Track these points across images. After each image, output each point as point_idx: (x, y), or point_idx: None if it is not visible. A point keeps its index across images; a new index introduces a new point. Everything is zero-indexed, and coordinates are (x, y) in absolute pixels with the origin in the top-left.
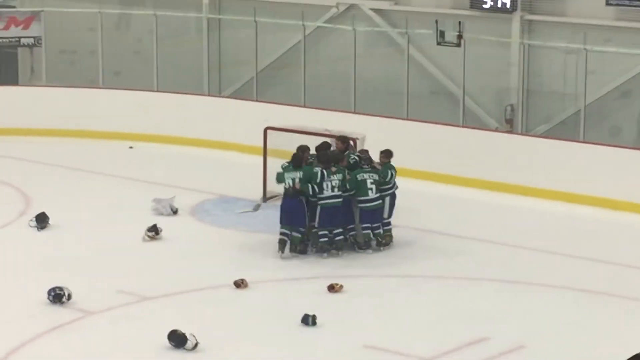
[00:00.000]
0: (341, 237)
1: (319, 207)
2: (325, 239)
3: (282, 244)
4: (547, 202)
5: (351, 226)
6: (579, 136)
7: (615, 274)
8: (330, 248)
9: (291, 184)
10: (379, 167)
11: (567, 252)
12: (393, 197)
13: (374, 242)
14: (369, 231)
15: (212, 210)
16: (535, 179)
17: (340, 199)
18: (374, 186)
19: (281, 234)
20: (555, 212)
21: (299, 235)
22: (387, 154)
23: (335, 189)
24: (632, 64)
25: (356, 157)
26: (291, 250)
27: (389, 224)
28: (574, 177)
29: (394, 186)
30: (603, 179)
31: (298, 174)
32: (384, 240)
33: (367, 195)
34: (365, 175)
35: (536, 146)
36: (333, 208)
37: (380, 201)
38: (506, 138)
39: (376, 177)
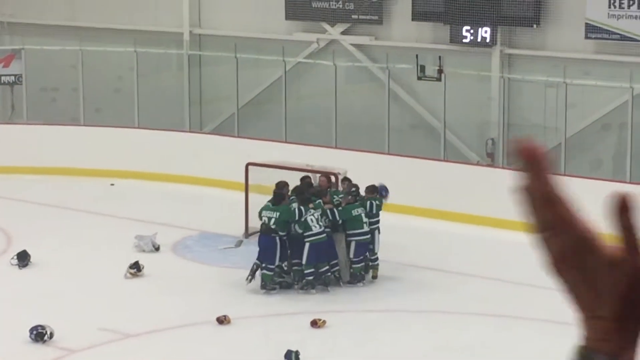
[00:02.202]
0: (328, 273)
1: (307, 245)
2: (312, 277)
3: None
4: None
5: (335, 261)
6: (560, 169)
7: None
8: (317, 284)
9: (266, 221)
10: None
11: (549, 285)
12: (379, 231)
13: (368, 275)
14: (362, 264)
15: (193, 246)
16: (516, 212)
17: (325, 235)
18: (367, 220)
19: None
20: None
21: (269, 273)
22: (370, 190)
23: (320, 224)
24: (612, 97)
25: (340, 200)
26: (262, 287)
27: (377, 259)
28: None
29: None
30: (584, 212)
31: (275, 214)
32: (374, 273)
33: (362, 228)
34: (360, 210)
35: (517, 180)
36: (320, 244)
37: (369, 236)
38: (487, 172)
39: (362, 210)
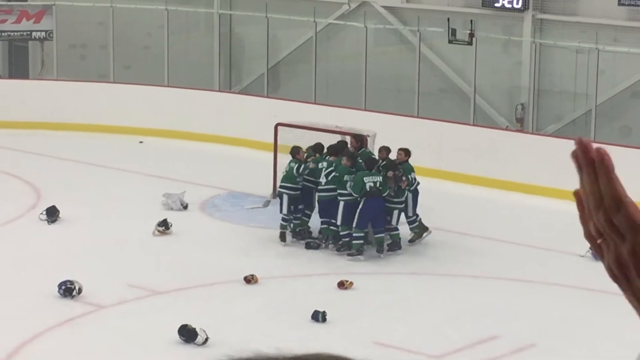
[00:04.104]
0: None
1: (342, 203)
2: (347, 239)
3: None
4: (556, 201)
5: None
6: (590, 136)
7: None
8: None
9: (372, 186)
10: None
11: (576, 252)
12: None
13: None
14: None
15: (221, 205)
16: (545, 178)
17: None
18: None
19: (359, 238)
20: (564, 211)
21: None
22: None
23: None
24: None
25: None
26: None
27: (414, 221)
28: None
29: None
30: None
31: (379, 178)
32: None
33: (404, 196)
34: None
35: (546, 145)
36: (354, 204)
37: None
38: (516, 137)
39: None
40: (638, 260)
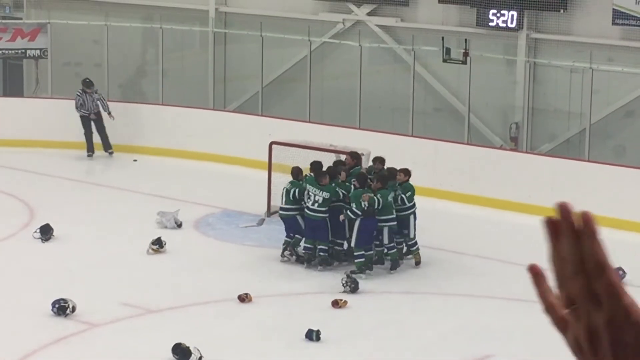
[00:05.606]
0: (322, 253)
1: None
2: (308, 252)
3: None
4: None
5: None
6: (584, 155)
7: None
8: (313, 260)
9: (368, 204)
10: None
11: None
12: (415, 215)
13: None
14: (396, 250)
15: (215, 224)
16: (539, 197)
17: (323, 215)
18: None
19: (364, 256)
20: None
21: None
22: (406, 173)
23: (317, 205)
24: (637, 84)
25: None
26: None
27: (415, 243)
28: (578, 196)
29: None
30: (607, 198)
31: (378, 195)
32: (416, 259)
33: (393, 214)
34: (392, 196)
35: (540, 165)
36: (315, 221)
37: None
38: (510, 156)
39: (392, 195)
40: (614, 330)
